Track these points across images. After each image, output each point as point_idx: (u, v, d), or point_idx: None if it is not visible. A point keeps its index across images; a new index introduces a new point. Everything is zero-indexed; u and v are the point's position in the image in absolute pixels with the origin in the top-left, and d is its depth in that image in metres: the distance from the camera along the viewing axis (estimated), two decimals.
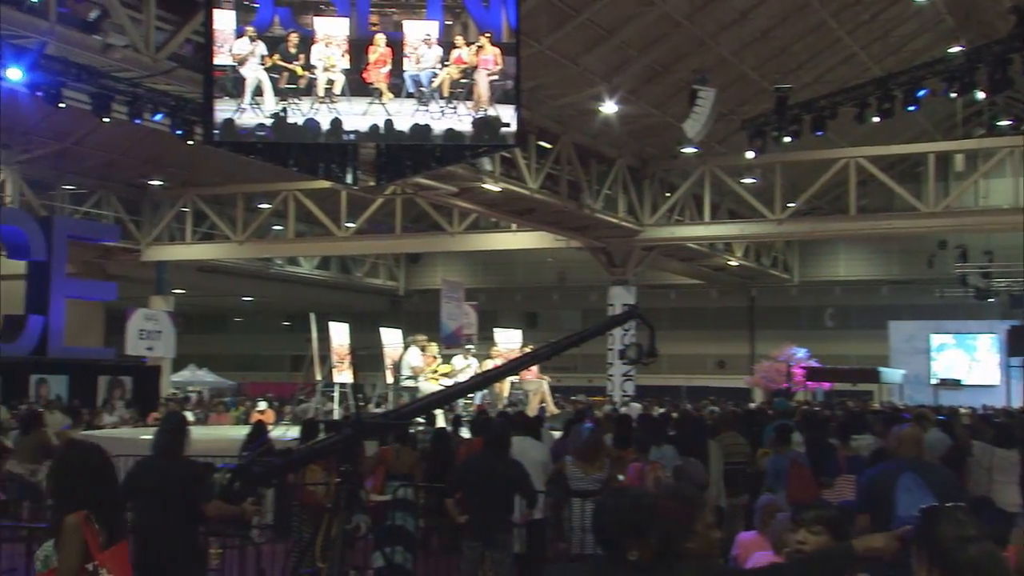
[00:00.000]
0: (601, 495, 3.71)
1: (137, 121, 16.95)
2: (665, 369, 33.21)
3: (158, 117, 16.93)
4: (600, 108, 22.45)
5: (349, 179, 14.68)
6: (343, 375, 19.13)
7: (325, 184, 24.74)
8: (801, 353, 34.45)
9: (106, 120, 16.60)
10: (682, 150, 26.54)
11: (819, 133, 18.82)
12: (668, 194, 28.75)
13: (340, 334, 19.71)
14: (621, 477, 9.00)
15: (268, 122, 12.88)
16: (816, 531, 4.25)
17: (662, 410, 21.53)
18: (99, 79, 15.51)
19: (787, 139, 18.91)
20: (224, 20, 12.80)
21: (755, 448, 11.75)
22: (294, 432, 12.48)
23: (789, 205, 27.53)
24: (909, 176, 30.16)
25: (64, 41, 14.39)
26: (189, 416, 21.50)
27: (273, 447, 11.99)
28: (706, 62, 20.18)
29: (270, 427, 15.58)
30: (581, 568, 3.70)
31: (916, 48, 24.60)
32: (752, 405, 25.35)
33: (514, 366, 11.18)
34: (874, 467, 7.10)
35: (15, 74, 14.40)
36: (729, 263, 34.95)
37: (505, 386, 18.93)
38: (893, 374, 32.07)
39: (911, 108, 17.60)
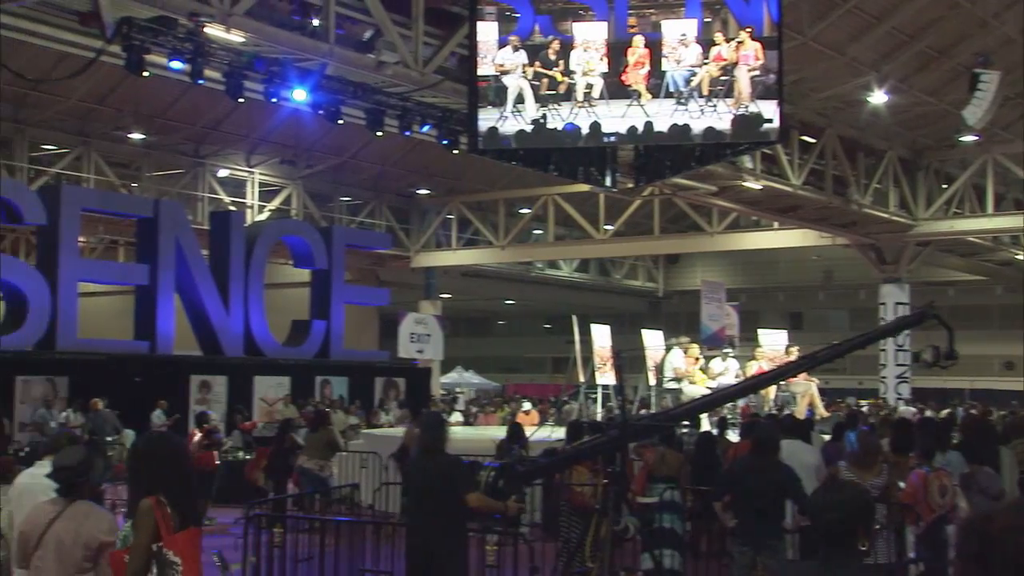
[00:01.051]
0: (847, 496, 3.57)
1: (407, 133, 17.80)
2: (945, 370, 31.15)
3: (425, 128, 17.68)
4: (868, 99, 21.40)
5: (608, 182, 14.75)
6: (606, 377, 19.24)
7: (584, 187, 25.03)
8: None
9: (379, 134, 17.51)
10: (960, 139, 24.84)
11: None
12: (945, 186, 27.15)
13: (602, 336, 19.84)
14: (902, 484, 8.53)
15: (529, 129, 13.17)
16: None
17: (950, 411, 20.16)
18: (373, 95, 16.39)
19: None
20: (487, 31, 13.21)
21: None
22: (559, 433, 12.65)
23: None
24: None
25: (341, 61, 15.31)
26: (458, 417, 22.38)
27: (527, 446, 12.22)
28: (988, 44, 18.77)
29: (534, 427, 15.88)
30: (814, 565, 3.56)
31: None
32: None
33: (792, 368, 10.79)
34: None
35: (300, 95, 15.50)
36: (1017, 257, 32.46)
37: (771, 388, 18.40)
38: None
39: None
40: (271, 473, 14.63)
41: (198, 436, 15.10)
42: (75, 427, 16.44)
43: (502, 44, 13.13)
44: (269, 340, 23.61)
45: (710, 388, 17.18)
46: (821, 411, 19.00)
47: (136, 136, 25.94)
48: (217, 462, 15.53)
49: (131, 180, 27.66)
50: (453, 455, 7.20)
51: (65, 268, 20.19)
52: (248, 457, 16.60)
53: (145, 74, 14.33)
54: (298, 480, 13.75)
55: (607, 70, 13.08)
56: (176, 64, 14.22)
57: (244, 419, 20.19)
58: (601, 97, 13.10)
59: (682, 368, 18.15)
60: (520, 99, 13.16)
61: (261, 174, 29.33)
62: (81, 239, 23.57)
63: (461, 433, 16.30)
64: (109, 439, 16.55)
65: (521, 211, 33.23)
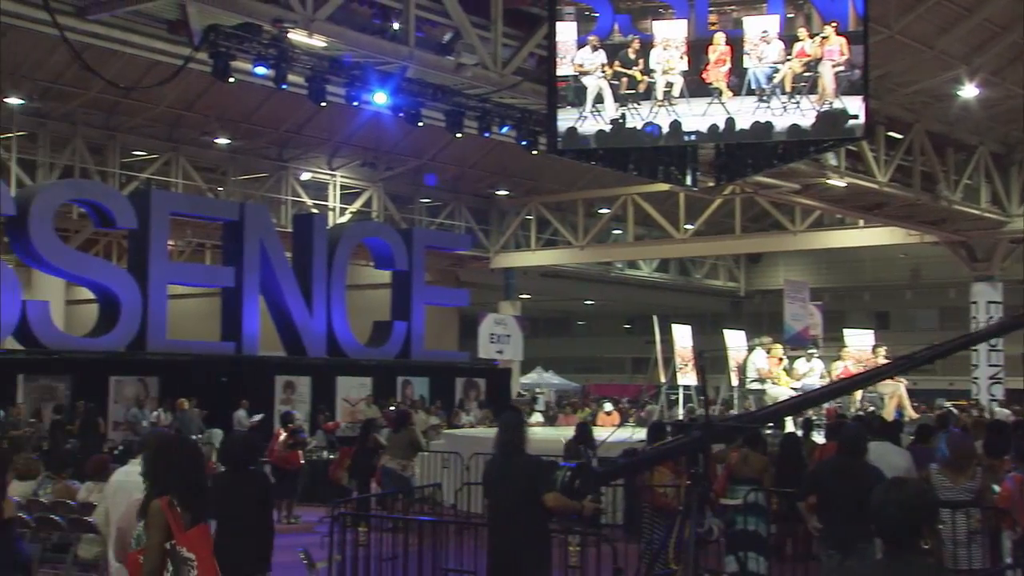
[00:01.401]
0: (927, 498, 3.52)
1: (486, 135, 17.87)
2: None
3: (504, 129, 17.74)
4: (958, 93, 20.86)
5: (688, 181, 14.61)
6: (687, 377, 19.07)
7: (663, 187, 24.84)
8: None
9: (459, 135, 17.60)
10: None
11: None
12: None
13: (683, 336, 19.67)
14: (996, 488, 8.28)
15: (608, 128, 13.12)
16: None
17: None
18: (452, 97, 16.51)
19: None
20: (566, 31, 13.19)
21: None
22: (639, 434, 12.57)
23: None
24: None
25: (421, 64, 15.45)
26: (538, 417, 22.39)
27: (595, 448, 12.17)
28: None
29: (613, 428, 15.83)
30: (873, 565, 3.48)
31: None
32: None
33: (888, 370, 10.47)
34: None
35: (381, 98, 15.68)
36: None
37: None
38: None
39: None
40: (354, 473, 14.78)
41: (283, 436, 15.35)
42: (165, 426, 16.87)
43: (581, 44, 13.10)
44: (351, 341, 23.90)
45: (794, 389, 16.92)
46: (910, 412, 18.56)
47: (222, 141, 26.51)
48: (302, 461, 15.78)
49: (217, 184, 28.27)
50: (533, 455, 7.21)
51: (155, 271, 20.70)
52: (332, 457, 16.82)
53: (231, 80, 14.65)
54: (381, 480, 13.88)
55: (687, 68, 12.97)
56: (260, 70, 14.51)
57: (327, 419, 20.48)
58: (681, 95, 12.99)
59: (765, 369, 17.90)
60: (599, 99, 13.12)
61: (343, 177, 29.72)
62: (170, 242, 24.16)
63: (539, 433, 16.30)
64: (194, 438, 16.91)
65: (600, 211, 33.11)
